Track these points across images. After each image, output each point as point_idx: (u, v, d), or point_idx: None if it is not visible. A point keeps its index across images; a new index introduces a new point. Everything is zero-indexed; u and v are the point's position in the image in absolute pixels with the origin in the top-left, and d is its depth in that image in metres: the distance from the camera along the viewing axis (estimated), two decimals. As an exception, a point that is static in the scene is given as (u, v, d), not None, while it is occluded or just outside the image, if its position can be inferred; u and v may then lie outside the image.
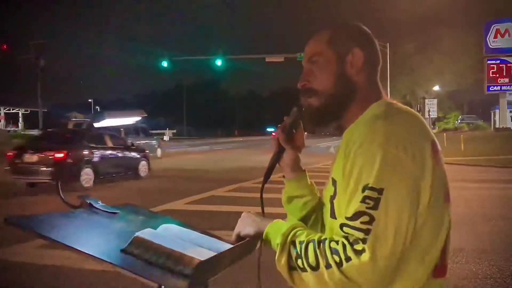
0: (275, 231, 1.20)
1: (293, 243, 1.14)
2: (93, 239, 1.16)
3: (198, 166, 19.58)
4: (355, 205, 1.08)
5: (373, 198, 1.06)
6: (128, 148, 14.27)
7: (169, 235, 1.22)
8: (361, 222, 1.06)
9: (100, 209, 1.36)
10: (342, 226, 1.10)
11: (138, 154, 14.97)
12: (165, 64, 29.23)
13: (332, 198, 1.22)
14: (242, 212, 1.33)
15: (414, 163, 1.09)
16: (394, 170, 1.08)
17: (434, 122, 47.83)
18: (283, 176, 1.46)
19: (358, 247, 1.04)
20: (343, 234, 1.09)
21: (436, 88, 47.38)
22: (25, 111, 52.49)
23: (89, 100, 76.62)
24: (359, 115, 1.25)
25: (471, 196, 10.37)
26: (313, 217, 1.43)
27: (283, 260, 1.14)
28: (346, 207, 1.11)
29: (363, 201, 1.07)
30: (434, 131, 46.89)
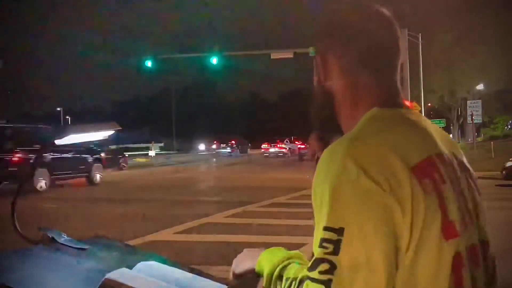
0: (268, 259, 1.19)
1: (280, 278, 1.14)
2: (55, 284, 1.16)
3: (190, 187, 19.56)
4: (315, 252, 1.02)
5: (332, 240, 0.99)
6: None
7: (149, 275, 1.21)
8: (320, 272, 0.99)
9: (65, 245, 1.35)
10: (304, 280, 1.05)
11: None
12: (149, 63, 29.33)
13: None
14: (246, 243, 1.32)
15: (384, 189, 1.01)
16: (355, 202, 1.01)
17: (478, 128, 47.68)
18: None
19: None
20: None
21: (481, 87, 47.16)
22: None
23: (58, 109, 77.08)
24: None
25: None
26: None
27: None
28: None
29: (320, 245, 1.01)
30: (479, 139, 46.74)
